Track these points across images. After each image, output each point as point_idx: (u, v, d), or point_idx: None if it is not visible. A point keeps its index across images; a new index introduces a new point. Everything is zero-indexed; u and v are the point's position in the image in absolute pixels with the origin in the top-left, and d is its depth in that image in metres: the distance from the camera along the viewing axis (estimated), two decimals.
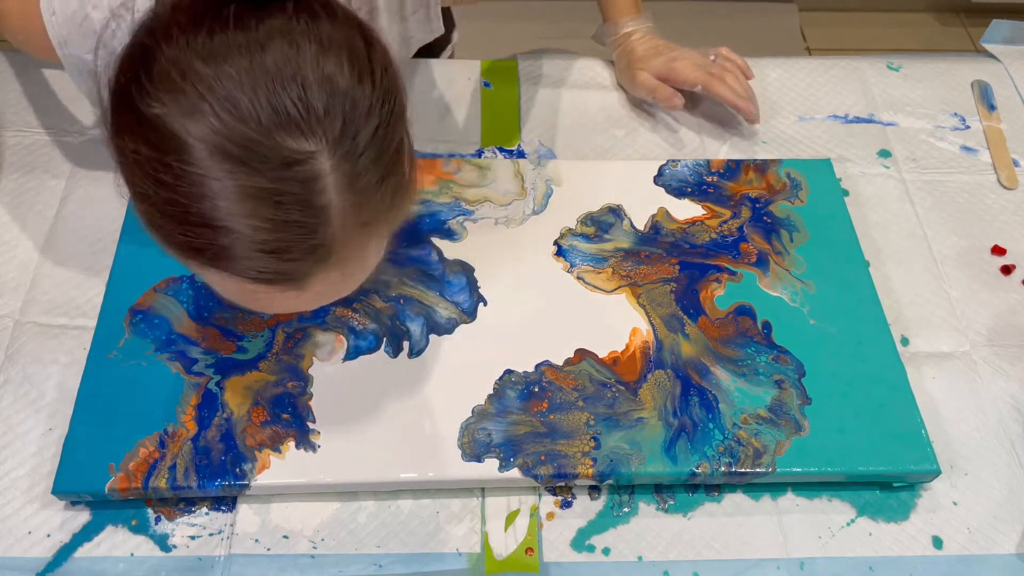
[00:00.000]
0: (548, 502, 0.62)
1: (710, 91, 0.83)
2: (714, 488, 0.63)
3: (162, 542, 0.59)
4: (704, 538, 0.61)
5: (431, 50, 0.92)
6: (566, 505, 0.62)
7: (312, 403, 0.63)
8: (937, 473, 0.62)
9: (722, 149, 0.84)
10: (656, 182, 0.78)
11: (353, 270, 0.49)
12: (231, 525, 0.60)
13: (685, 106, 0.83)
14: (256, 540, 0.60)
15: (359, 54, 0.45)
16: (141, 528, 0.60)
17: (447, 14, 1.03)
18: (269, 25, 0.43)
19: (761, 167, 0.79)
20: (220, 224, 0.43)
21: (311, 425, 0.62)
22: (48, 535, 0.59)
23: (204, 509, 0.61)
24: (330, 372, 0.64)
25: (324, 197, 0.43)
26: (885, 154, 0.85)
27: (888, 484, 0.64)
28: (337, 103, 0.43)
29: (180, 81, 0.42)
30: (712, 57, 0.85)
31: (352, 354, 0.65)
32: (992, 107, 0.89)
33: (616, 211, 0.75)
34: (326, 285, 0.47)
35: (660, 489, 0.63)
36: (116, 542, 0.59)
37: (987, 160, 0.85)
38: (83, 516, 0.60)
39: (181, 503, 0.61)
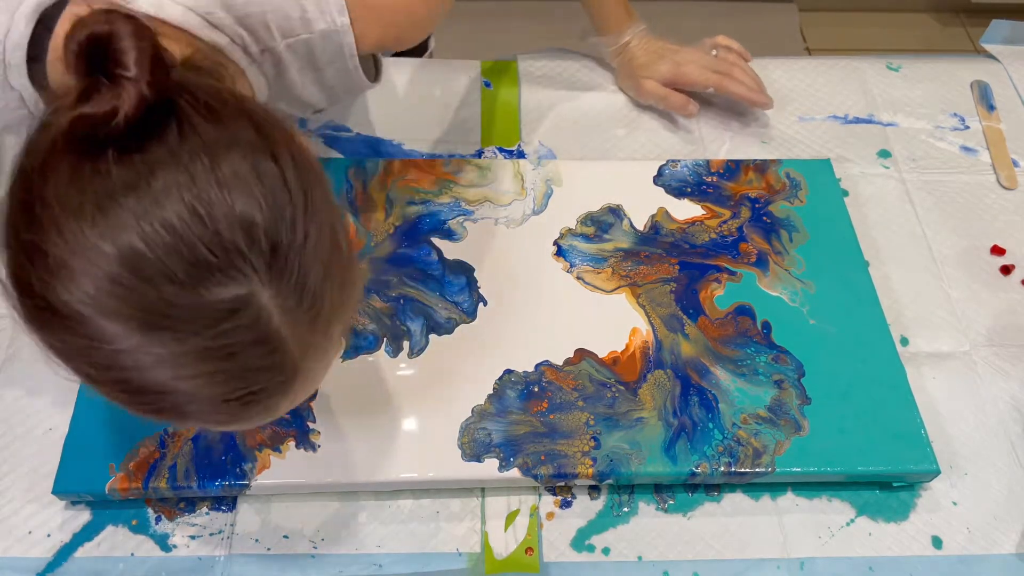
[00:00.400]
0: (548, 502, 0.62)
1: (723, 91, 0.83)
2: (714, 488, 0.63)
3: (162, 542, 0.59)
4: (704, 538, 0.61)
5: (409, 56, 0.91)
6: (566, 505, 0.62)
7: (312, 403, 0.63)
8: (937, 473, 0.62)
9: (722, 149, 0.84)
10: (656, 182, 0.78)
11: (320, 372, 0.46)
12: (231, 525, 0.60)
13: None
14: (256, 540, 0.60)
15: (258, 151, 0.40)
16: (141, 528, 0.60)
17: None
18: (153, 158, 0.38)
19: (761, 167, 0.79)
20: (172, 390, 0.39)
21: (311, 425, 0.62)
22: (48, 535, 0.59)
23: (204, 509, 0.61)
24: (331, 372, 0.64)
25: (274, 329, 0.40)
26: (885, 154, 0.85)
27: (888, 484, 0.64)
28: (255, 227, 0.38)
29: (76, 257, 0.37)
30: (714, 52, 0.85)
31: (352, 353, 0.65)
32: (992, 107, 0.89)
33: (616, 211, 0.75)
34: (291, 400, 0.44)
35: (660, 489, 0.63)
36: (116, 542, 0.59)
37: (987, 160, 0.85)
38: (83, 516, 0.60)
39: (181, 503, 0.61)
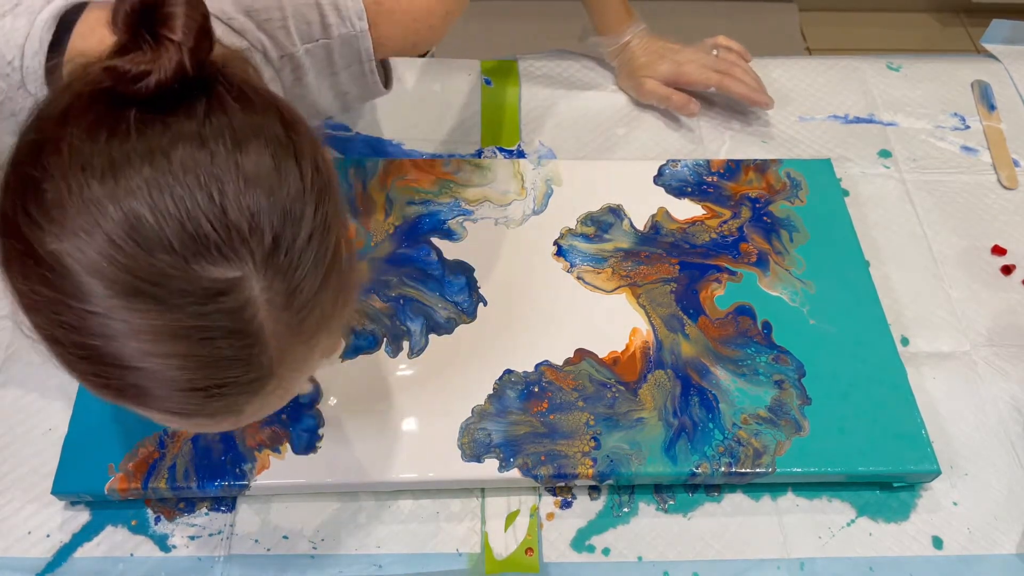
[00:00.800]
0: (548, 502, 0.62)
1: (725, 91, 0.83)
2: (714, 488, 0.63)
3: (162, 542, 0.59)
4: (704, 538, 0.61)
5: None
6: (566, 505, 0.62)
7: (318, 406, 0.63)
8: (937, 473, 0.62)
9: (722, 149, 0.84)
10: (656, 182, 0.78)
11: (296, 383, 0.44)
12: (231, 525, 0.60)
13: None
14: (256, 540, 0.60)
15: (282, 147, 0.39)
16: (141, 528, 0.60)
17: None
18: (176, 130, 0.37)
19: (761, 167, 0.79)
20: (138, 366, 0.37)
21: (320, 432, 0.62)
22: (48, 535, 0.59)
23: (204, 509, 0.61)
24: (330, 372, 0.64)
25: (257, 323, 0.38)
26: (885, 154, 0.85)
27: (888, 484, 0.64)
28: (263, 216, 0.37)
29: (75, 209, 0.36)
30: (714, 52, 0.85)
31: (351, 353, 0.65)
32: (992, 107, 0.89)
33: (616, 211, 0.75)
34: (266, 406, 0.43)
35: (660, 489, 0.63)
36: (116, 542, 0.59)
37: (987, 160, 0.85)
38: (83, 516, 0.60)
39: (181, 503, 0.61)
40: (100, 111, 0.37)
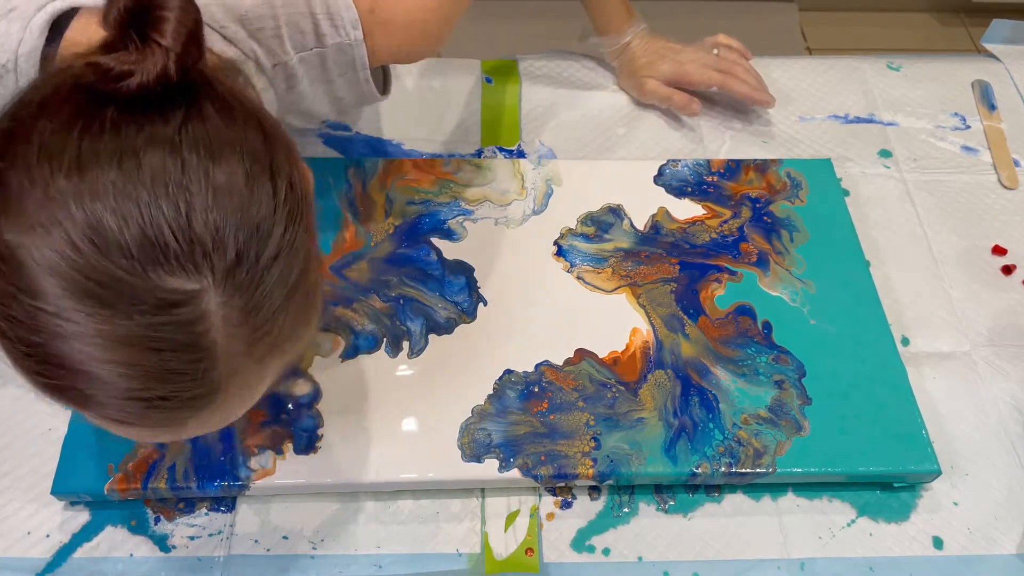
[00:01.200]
0: (548, 502, 0.62)
1: (727, 90, 0.83)
2: (714, 488, 0.63)
3: (161, 542, 0.59)
4: (704, 538, 0.61)
5: None
6: (566, 505, 0.62)
7: (317, 406, 0.63)
8: (937, 473, 0.62)
9: (722, 149, 0.84)
10: (656, 182, 0.78)
11: (242, 403, 0.42)
12: (231, 525, 0.60)
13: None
14: (256, 540, 0.60)
15: (258, 163, 0.39)
16: (140, 528, 0.60)
17: None
18: (150, 133, 0.36)
19: (761, 167, 0.79)
20: (82, 369, 0.36)
21: (320, 432, 0.62)
22: (48, 535, 0.59)
23: (203, 509, 0.61)
24: (330, 372, 0.64)
25: (210, 338, 0.37)
26: (885, 154, 0.85)
27: (888, 484, 0.64)
28: (228, 231, 0.37)
29: (37, 202, 0.35)
30: (715, 51, 0.85)
31: (351, 353, 0.65)
32: (992, 107, 0.89)
33: (616, 211, 0.75)
34: (210, 422, 0.42)
35: (660, 489, 0.63)
36: (115, 542, 0.59)
37: (987, 160, 0.85)
38: (82, 516, 0.60)
39: (180, 503, 0.61)
40: (77, 105, 0.37)
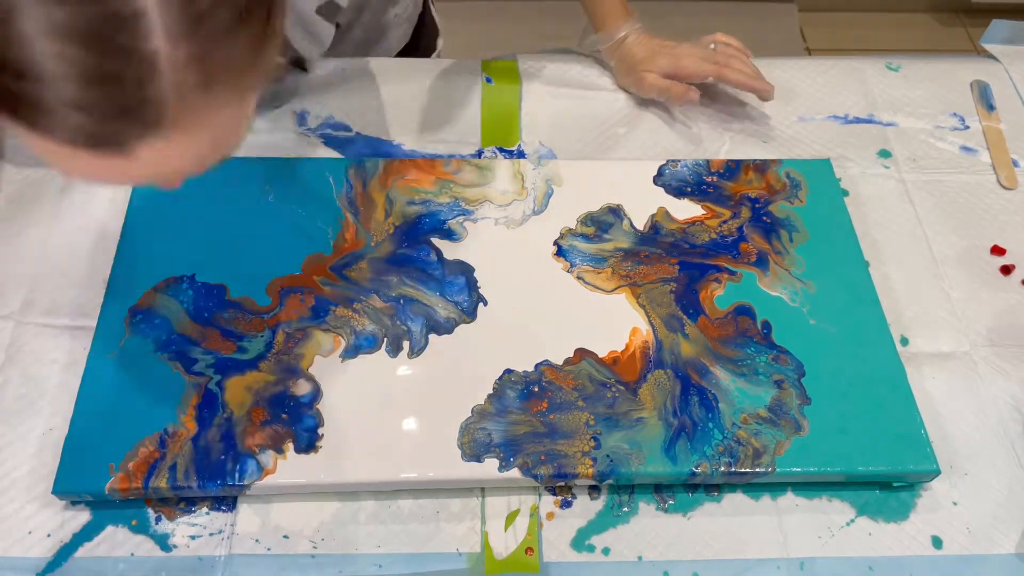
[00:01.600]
0: (548, 502, 0.62)
1: (723, 79, 0.83)
2: (714, 488, 0.63)
3: (162, 542, 0.59)
4: (704, 538, 0.61)
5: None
6: (566, 505, 0.62)
7: (318, 405, 0.63)
8: (937, 473, 0.62)
9: (722, 149, 0.84)
10: (656, 182, 0.78)
11: (199, 143, 0.41)
12: (231, 525, 0.60)
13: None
14: (256, 540, 0.60)
15: None
16: (141, 528, 0.60)
17: (431, 22, 1.03)
18: None
19: (761, 167, 0.79)
20: (26, 67, 0.35)
21: (320, 431, 0.62)
22: (48, 535, 0.59)
23: (204, 509, 0.61)
24: (330, 372, 0.64)
25: (150, 43, 0.35)
26: (885, 154, 0.85)
27: (888, 484, 0.64)
28: None
29: None
30: (712, 46, 0.85)
31: (352, 353, 0.65)
32: (992, 107, 0.89)
33: (616, 211, 0.75)
34: (162, 156, 0.40)
35: (660, 489, 0.63)
36: (116, 542, 0.59)
37: (987, 160, 0.85)
38: (83, 516, 0.60)
39: (181, 503, 0.61)
40: None
